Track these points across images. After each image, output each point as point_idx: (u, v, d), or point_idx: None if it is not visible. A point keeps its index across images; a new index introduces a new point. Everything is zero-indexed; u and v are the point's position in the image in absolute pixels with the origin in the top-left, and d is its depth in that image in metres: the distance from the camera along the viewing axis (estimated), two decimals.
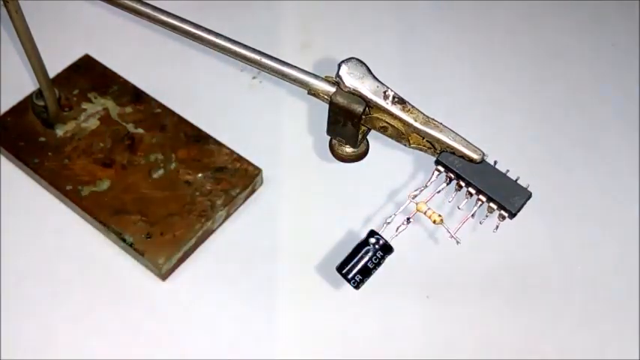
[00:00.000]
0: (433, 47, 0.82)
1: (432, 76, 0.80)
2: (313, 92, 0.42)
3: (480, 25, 0.85)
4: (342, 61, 0.40)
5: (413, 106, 0.40)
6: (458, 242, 0.39)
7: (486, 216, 0.40)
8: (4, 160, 0.71)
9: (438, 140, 0.39)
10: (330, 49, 0.81)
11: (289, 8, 0.84)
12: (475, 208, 0.40)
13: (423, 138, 0.40)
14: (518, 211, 0.39)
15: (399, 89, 0.41)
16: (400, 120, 0.39)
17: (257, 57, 0.43)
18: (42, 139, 0.70)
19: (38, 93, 0.68)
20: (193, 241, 0.65)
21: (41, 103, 0.69)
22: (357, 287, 0.40)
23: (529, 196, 0.39)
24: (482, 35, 0.84)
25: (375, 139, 0.44)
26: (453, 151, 0.39)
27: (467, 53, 0.82)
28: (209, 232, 0.66)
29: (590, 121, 0.77)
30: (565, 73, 0.81)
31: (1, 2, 0.57)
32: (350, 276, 0.39)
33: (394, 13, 0.85)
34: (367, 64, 0.41)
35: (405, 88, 0.72)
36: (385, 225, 0.40)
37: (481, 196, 0.39)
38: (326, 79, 0.41)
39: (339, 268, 0.40)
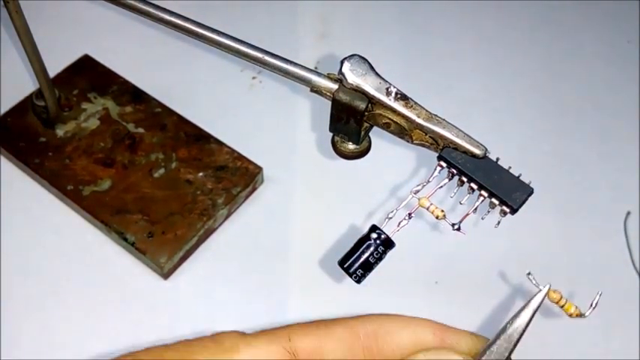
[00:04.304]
0: (449, 42, 0.83)
1: (446, 70, 0.80)
2: (316, 89, 0.42)
3: (496, 21, 0.85)
4: (345, 58, 0.41)
5: (415, 102, 0.40)
6: (464, 233, 0.40)
7: (488, 212, 0.40)
8: (4, 160, 0.71)
9: (441, 136, 0.39)
10: (349, 39, 0.82)
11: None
12: (477, 203, 0.40)
13: (426, 134, 0.40)
14: (520, 207, 0.39)
15: (414, 82, 0.41)
16: (403, 116, 0.40)
17: (260, 55, 0.43)
18: (42, 139, 0.70)
19: (38, 93, 0.68)
20: (195, 239, 0.65)
21: (41, 103, 0.69)
22: (358, 281, 0.40)
23: (531, 192, 0.39)
24: (498, 30, 0.84)
25: (377, 135, 0.44)
26: (456, 147, 0.39)
27: (484, 48, 0.83)
28: (210, 231, 0.66)
29: (604, 118, 0.77)
30: (579, 70, 0.81)
31: (1, 2, 0.57)
32: (351, 270, 0.40)
33: (413, 7, 0.86)
34: (370, 62, 0.41)
35: (421, 82, 0.73)
36: (387, 220, 0.40)
37: (483, 192, 0.40)
38: (328, 77, 0.42)
39: (341, 263, 0.40)
